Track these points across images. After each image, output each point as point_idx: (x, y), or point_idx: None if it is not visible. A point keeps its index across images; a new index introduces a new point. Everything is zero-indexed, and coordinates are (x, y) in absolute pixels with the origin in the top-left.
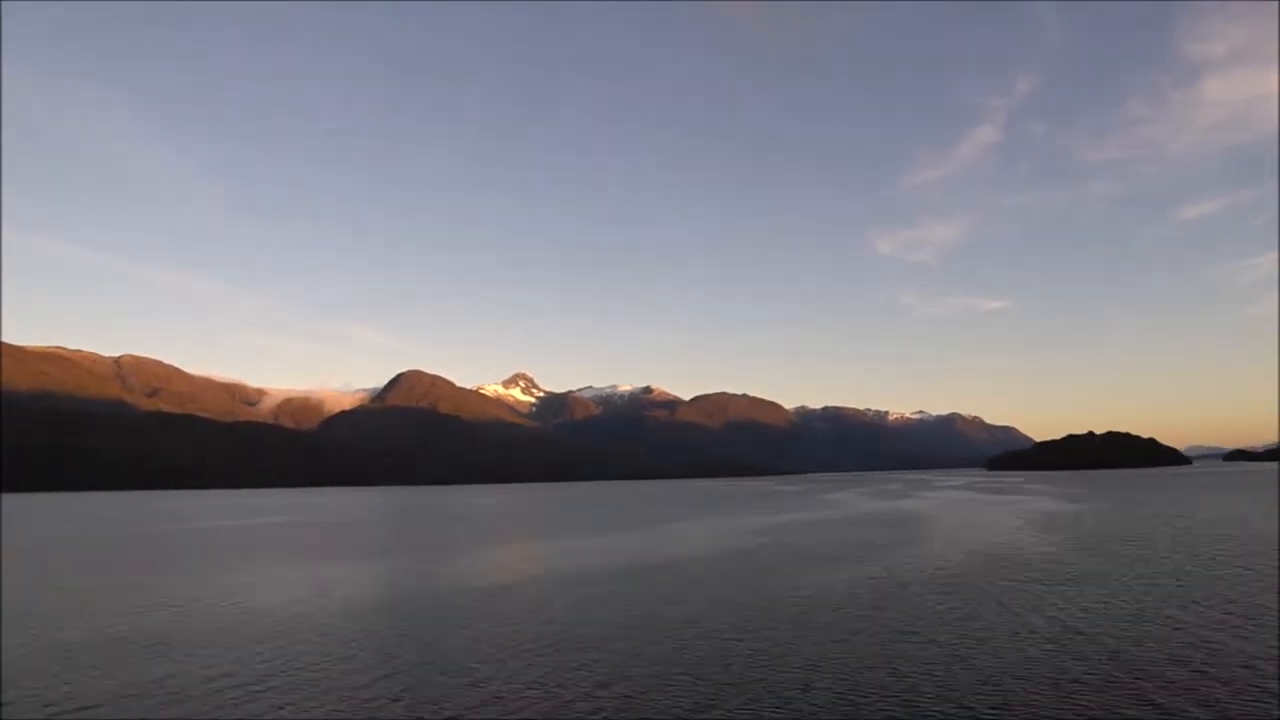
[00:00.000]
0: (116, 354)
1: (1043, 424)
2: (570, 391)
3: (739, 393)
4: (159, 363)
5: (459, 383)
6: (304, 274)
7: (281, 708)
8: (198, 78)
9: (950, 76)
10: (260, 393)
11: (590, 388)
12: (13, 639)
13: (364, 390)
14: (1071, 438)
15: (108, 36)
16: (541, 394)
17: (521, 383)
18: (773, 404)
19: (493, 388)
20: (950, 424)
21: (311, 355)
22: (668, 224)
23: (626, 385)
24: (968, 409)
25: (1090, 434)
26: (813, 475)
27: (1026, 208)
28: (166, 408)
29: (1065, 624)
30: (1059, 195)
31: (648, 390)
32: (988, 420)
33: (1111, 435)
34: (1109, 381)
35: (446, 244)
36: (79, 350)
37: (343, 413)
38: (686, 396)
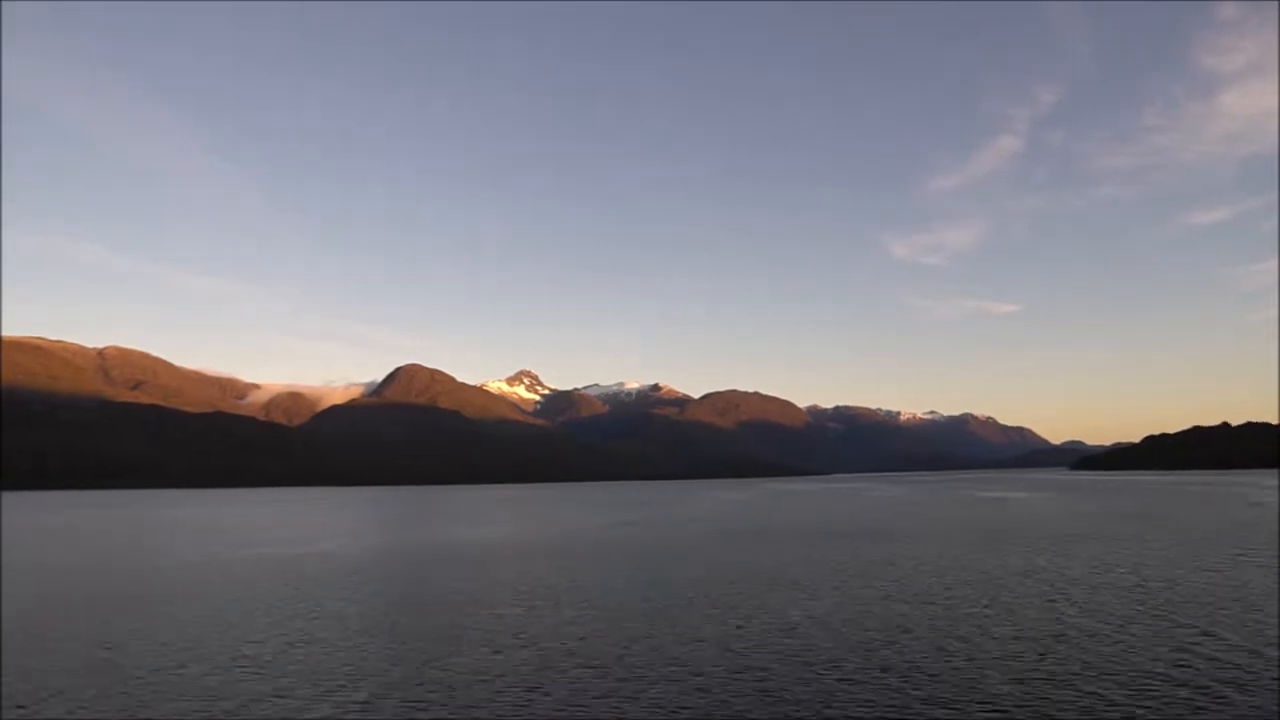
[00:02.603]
0: (102, 345)
1: (1056, 426)
2: (576, 389)
3: (749, 390)
4: (145, 355)
5: (461, 379)
6: (306, 269)
7: None
8: (202, 70)
9: (975, 87)
10: (252, 388)
11: (596, 385)
12: None
13: (361, 385)
14: (1198, 430)
15: (110, 25)
16: (546, 391)
17: (526, 380)
18: (785, 402)
19: (496, 385)
20: (963, 424)
21: (313, 352)
22: (677, 220)
23: (634, 383)
24: (978, 410)
25: (1224, 425)
26: (856, 476)
27: (1040, 212)
28: (147, 401)
29: None
30: (1072, 201)
31: (656, 388)
32: (1000, 421)
33: (1253, 427)
34: (1120, 383)
35: (451, 239)
36: (60, 341)
37: (333, 407)
38: (695, 395)
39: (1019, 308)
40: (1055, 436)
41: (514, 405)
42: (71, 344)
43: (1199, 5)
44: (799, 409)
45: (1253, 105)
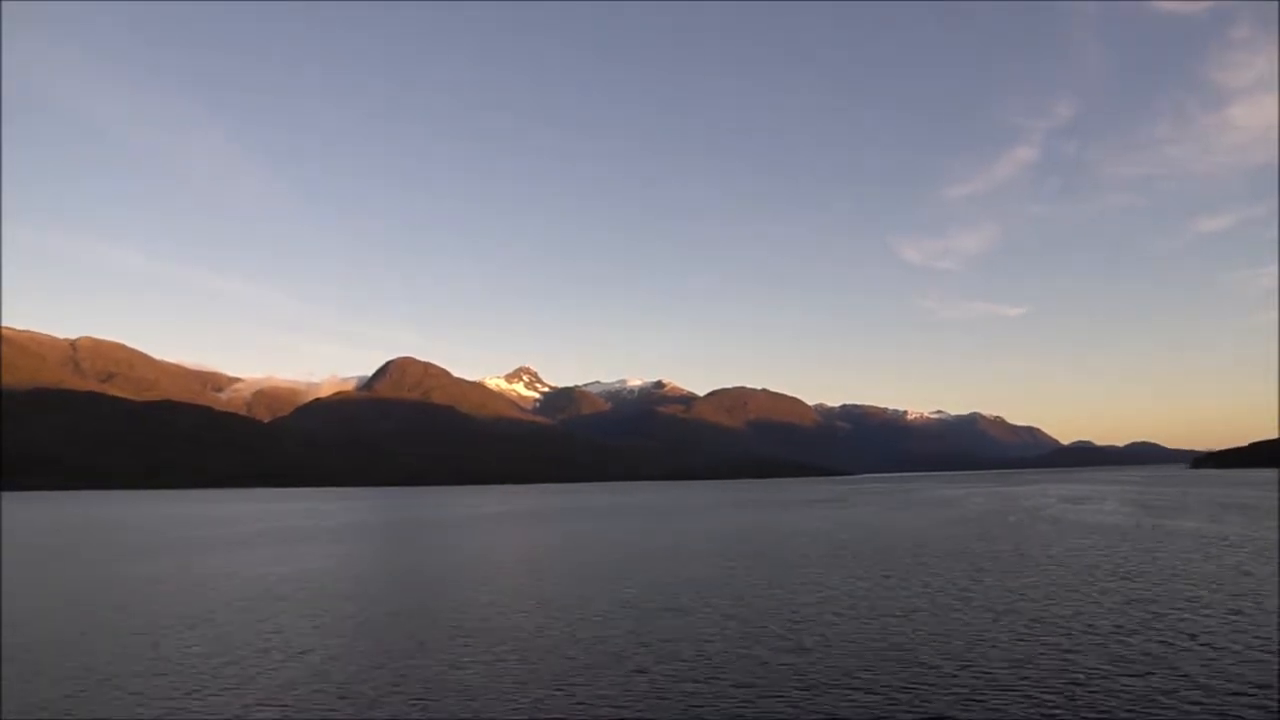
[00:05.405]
0: (75, 336)
1: (1062, 426)
2: (577, 386)
3: (757, 388)
4: (120, 346)
5: (457, 376)
6: (299, 262)
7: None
8: (196, 59)
9: (993, 99)
10: (234, 381)
11: (598, 383)
12: None
13: (351, 379)
14: None
15: (105, 15)
16: (546, 389)
17: (525, 377)
18: (794, 400)
19: (494, 381)
20: (972, 424)
21: (303, 346)
22: (683, 216)
23: (637, 380)
24: (984, 409)
25: None
26: (909, 476)
27: (1051, 219)
28: (118, 393)
29: None
30: (1083, 208)
31: (660, 385)
32: (1008, 421)
33: None
34: (1125, 384)
35: (448, 232)
36: (28, 331)
37: (316, 401)
38: (700, 392)
39: (1027, 310)
40: (1064, 437)
41: (512, 403)
42: (42, 334)
43: (1211, 24)
44: (808, 407)
45: (1262, 118)
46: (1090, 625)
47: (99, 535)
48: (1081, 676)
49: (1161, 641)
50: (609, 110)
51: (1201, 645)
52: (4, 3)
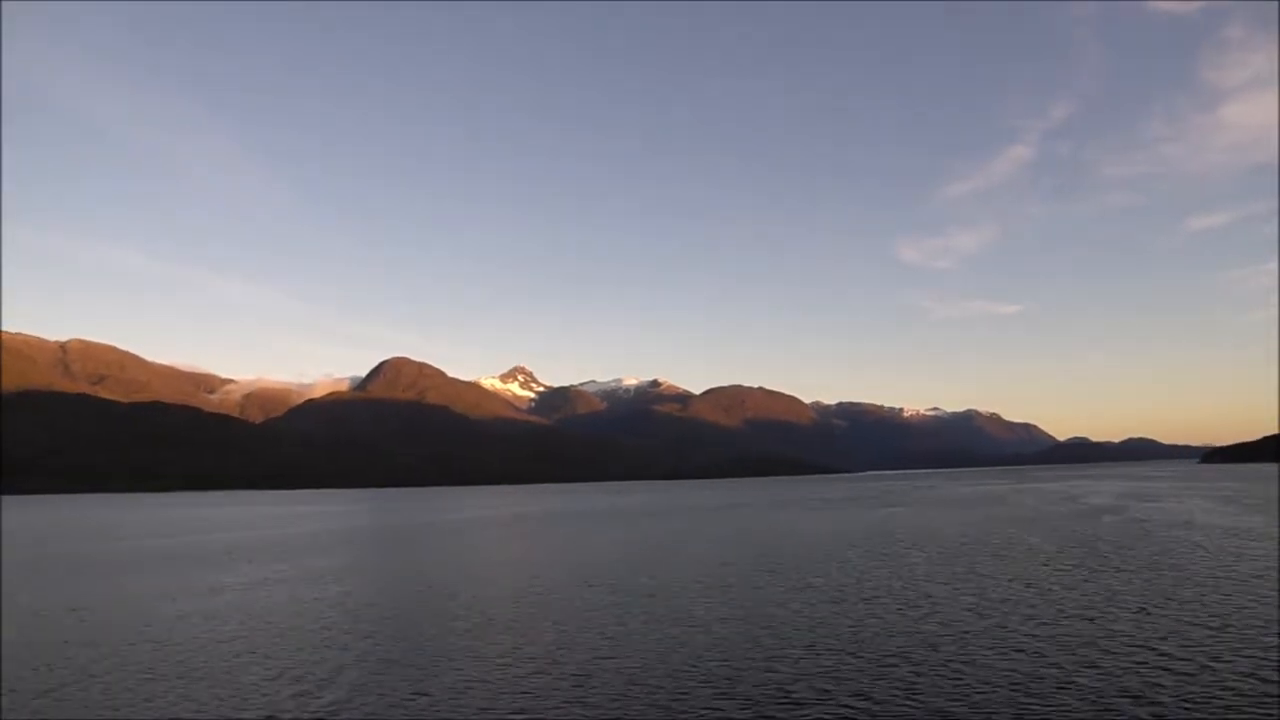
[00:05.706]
0: (65, 339)
1: (1059, 423)
2: (572, 386)
3: (753, 386)
4: (112, 348)
5: (452, 376)
6: (292, 262)
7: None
8: (195, 63)
9: (993, 100)
10: (227, 382)
11: (593, 382)
12: None
13: (345, 380)
14: None
15: (100, 13)
16: (542, 388)
17: (520, 377)
18: (791, 398)
19: (490, 381)
20: (969, 420)
21: (296, 346)
22: (679, 215)
23: (632, 379)
24: (980, 406)
25: None
26: (928, 473)
27: (1048, 218)
28: (109, 396)
29: None
30: (1079, 207)
31: (655, 384)
32: (1004, 418)
33: None
34: (1122, 381)
35: (442, 231)
36: (19, 334)
37: (309, 402)
38: (696, 390)
39: (1023, 307)
40: (1060, 433)
41: (508, 403)
42: (31, 336)
43: (1205, 23)
44: (804, 405)
45: (1259, 116)
46: None
47: (98, 541)
48: None
49: None
50: (609, 110)
51: None
52: (4, 3)
